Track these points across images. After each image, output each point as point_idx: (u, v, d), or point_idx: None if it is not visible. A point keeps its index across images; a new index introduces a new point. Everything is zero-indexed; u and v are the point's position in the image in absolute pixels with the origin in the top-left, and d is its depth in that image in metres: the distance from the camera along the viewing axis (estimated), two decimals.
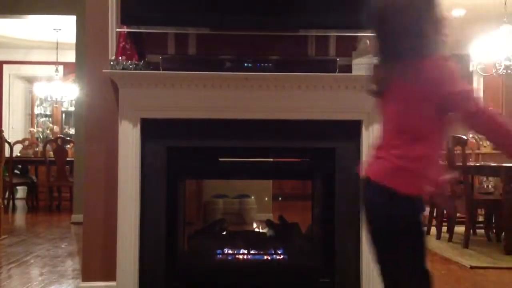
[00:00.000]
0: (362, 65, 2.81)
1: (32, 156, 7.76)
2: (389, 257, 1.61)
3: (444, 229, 5.04)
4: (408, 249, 1.58)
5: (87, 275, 2.87)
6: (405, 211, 1.54)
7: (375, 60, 1.62)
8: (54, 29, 7.71)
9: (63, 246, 4.47)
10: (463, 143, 4.63)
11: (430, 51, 1.49)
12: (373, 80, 1.63)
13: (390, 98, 1.57)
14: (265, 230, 3.62)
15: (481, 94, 7.76)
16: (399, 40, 1.49)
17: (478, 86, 7.95)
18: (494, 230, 4.96)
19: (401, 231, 1.56)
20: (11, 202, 7.39)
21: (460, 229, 4.75)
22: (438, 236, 4.96)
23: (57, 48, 8.14)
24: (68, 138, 7.49)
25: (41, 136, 9.27)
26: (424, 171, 1.54)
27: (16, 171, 7.80)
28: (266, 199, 4.92)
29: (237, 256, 3.06)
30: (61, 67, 8.72)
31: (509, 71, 5.32)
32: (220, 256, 3.06)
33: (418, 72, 1.48)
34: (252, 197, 4.64)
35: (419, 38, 1.48)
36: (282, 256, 3.06)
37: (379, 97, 1.63)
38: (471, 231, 4.75)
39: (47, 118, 9.83)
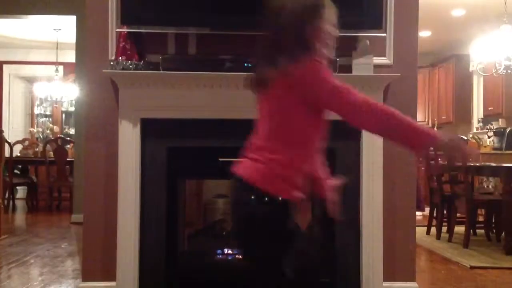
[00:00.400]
0: (362, 65, 2.81)
1: (32, 156, 7.75)
2: (253, 255, 1.63)
3: (444, 229, 5.04)
4: (272, 249, 1.58)
5: (87, 275, 2.87)
6: (278, 214, 1.55)
7: (259, 60, 1.60)
8: (54, 29, 7.71)
9: (63, 246, 4.47)
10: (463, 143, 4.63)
11: (310, 56, 1.50)
12: (254, 78, 1.62)
13: (268, 98, 1.57)
14: None
15: (481, 94, 7.76)
16: (281, 44, 1.51)
17: (478, 86, 7.96)
18: (494, 230, 4.96)
19: (270, 232, 1.56)
20: (11, 202, 7.39)
21: (460, 229, 4.75)
22: (438, 236, 4.97)
23: (57, 48, 8.13)
24: (68, 138, 7.49)
25: (41, 136, 9.27)
26: (298, 177, 1.55)
27: (16, 171, 7.80)
28: (266, 199, 4.90)
29: (237, 256, 3.06)
30: (61, 67, 8.72)
31: (509, 71, 5.32)
32: (220, 256, 3.06)
33: (297, 75, 1.48)
34: (252, 197, 4.63)
35: (300, 43, 1.49)
36: None
37: (259, 94, 1.62)
38: (471, 231, 4.75)
39: (47, 118, 9.83)
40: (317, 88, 1.49)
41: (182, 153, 2.87)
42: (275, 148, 1.54)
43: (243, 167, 1.60)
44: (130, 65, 2.71)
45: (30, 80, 9.49)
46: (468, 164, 1.44)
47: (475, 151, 1.48)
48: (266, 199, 1.53)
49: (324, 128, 1.59)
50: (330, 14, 1.59)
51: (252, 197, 1.56)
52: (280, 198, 1.53)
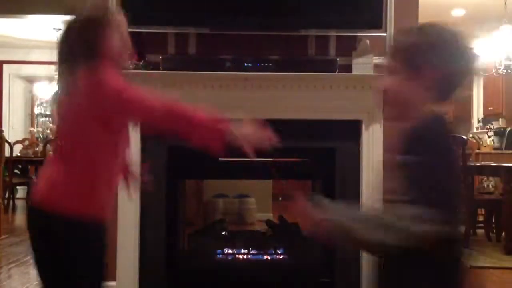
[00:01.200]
0: (362, 65, 2.81)
1: (32, 156, 7.74)
2: None
3: None
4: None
5: None
6: (70, 236, 1.43)
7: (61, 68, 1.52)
8: (54, 29, 7.71)
9: None
10: (463, 143, 4.63)
11: (99, 64, 1.44)
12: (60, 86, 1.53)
13: (61, 110, 1.50)
14: (265, 230, 3.62)
15: (481, 94, 7.76)
16: (72, 51, 1.48)
17: (478, 86, 7.96)
18: (494, 230, 4.96)
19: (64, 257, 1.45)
20: (11, 202, 7.38)
21: None
22: None
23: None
24: None
25: (41, 136, 9.26)
26: (84, 190, 1.44)
27: (16, 171, 7.80)
28: (266, 199, 4.91)
29: (237, 256, 3.06)
30: None
31: (509, 71, 5.33)
32: (220, 256, 3.06)
33: (84, 85, 1.42)
34: (252, 197, 4.64)
35: (86, 50, 1.45)
36: (282, 256, 3.06)
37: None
38: (471, 231, 4.74)
39: (47, 118, 9.83)
40: (104, 101, 1.40)
41: (182, 153, 2.86)
42: (59, 162, 1.46)
43: (36, 188, 1.47)
44: (130, 65, 2.71)
45: (30, 80, 9.49)
46: (265, 148, 1.31)
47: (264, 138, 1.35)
48: (58, 220, 1.40)
49: (123, 144, 1.52)
50: (120, 22, 1.55)
51: (44, 224, 1.43)
52: (73, 215, 1.41)
